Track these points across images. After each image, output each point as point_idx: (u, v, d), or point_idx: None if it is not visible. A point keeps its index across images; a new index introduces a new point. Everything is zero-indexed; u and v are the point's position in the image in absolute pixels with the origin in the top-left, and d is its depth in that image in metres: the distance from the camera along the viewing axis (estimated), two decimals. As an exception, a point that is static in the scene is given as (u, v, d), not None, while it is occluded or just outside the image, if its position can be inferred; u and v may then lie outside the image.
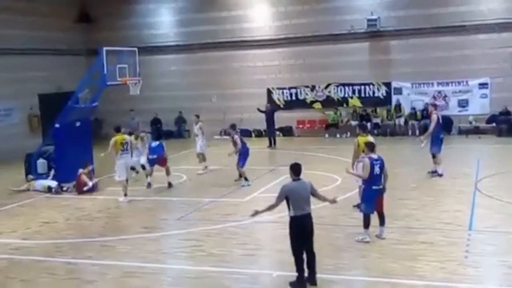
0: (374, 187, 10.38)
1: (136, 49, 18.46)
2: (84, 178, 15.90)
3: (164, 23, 28.75)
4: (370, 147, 10.71)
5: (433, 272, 8.85)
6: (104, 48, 16.81)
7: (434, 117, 16.03)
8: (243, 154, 15.98)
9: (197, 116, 19.16)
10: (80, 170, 15.96)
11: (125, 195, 14.79)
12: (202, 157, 18.53)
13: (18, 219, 13.38)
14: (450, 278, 8.61)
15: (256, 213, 8.77)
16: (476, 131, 23.97)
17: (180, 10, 28.38)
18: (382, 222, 10.60)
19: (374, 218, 10.53)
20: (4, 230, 12.46)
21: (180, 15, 28.36)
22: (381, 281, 8.64)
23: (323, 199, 9.03)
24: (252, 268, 9.45)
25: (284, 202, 8.46)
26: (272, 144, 23.45)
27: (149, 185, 16.07)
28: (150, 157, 16.25)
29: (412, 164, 18.01)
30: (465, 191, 14.04)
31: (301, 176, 8.55)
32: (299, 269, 8.38)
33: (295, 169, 8.55)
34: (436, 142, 15.88)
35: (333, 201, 9.20)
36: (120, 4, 28.58)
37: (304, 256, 8.42)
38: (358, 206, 11.92)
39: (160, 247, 10.96)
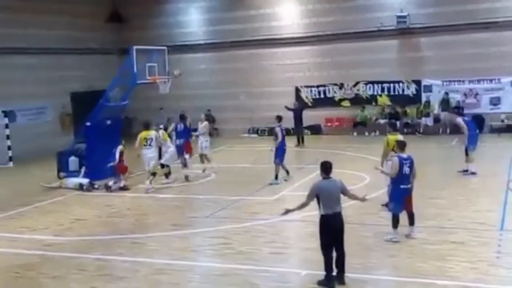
0: (402, 187, 10.28)
1: (165, 48, 18.64)
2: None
3: (193, 22, 28.95)
4: (401, 146, 10.58)
5: (464, 272, 8.73)
6: (134, 47, 17.01)
7: (459, 121, 15.99)
8: (279, 150, 15.80)
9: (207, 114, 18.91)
10: (119, 148, 16.12)
11: (150, 182, 15.70)
12: (206, 158, 18.08)
13: (51, 216, 13.62)
14: (482, 279, 8.48)
15: (287, 211, 8.79)
16: (509, 129, 23.53)
17: (209, 9, 28.54)
18: (411, 221, 10.50)
19: (404, 218, 10.44)
20: (37, 226, 12.71)
21: (209, 13, 28.53)
22: (410, 281, 8.56)
23: (354, 197, 8.98)
24: (280, 266, 9.45)
25: (315, 201, 8.44)
26: (300, 142, 23.39)
27: (167, 175, 16.96)
28: (177, 142, 16.87)
29: (442, 162, 17.80)
30: (496, 190, 13.80)
31: (331, 174, 8.53)
32: (328, 268, 8.37)
33: (325, 167, 8.51)
34: (472, 140, 15.69)
35: (363, 199, 9.14)
36: (151, 3, 28.88)
37: (334, 255, 8.40)
38: (386, 205, 11.86)
39: (189, 245, 11.05)
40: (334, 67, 26.34)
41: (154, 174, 15.87)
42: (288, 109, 24.05)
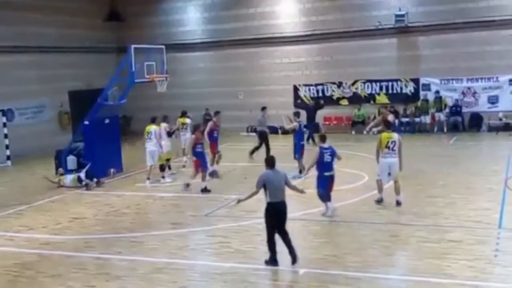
0: (326, 174, 11.75)
1: (163, 46, 18.60)
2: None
3: (191, 20, 28.95)
4: (322, 138, 12.16)
5: (461, 270, 8.76)
6: (132, 46, 16.99)
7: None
8: (297, 146, 16.36)
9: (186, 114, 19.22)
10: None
11: (148, 178, 16.40)
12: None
13: (49, 215, 13.61)
14: (479, 277, 8.50)
15: (239, 201, 9.79)
16: (506, 127, 23.57)
17: (207, 8, 28.54)
18: (329, 199, 11.89)
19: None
20: (36, 225, 12.69)
21: (208, 12, 28.54)
22: (408, 279, 8.61)
23: (294, 189, 9.80)
24: (278, 264, 9.45)
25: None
26: (310, 141, 22.73)
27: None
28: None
29: (440, 161, 17.80)
30: (494, 188, 13.84)
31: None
32: (272, 248, 9.13)
33: (270, 162, 9.43)
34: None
35: (302, 192, 9.96)
36: (149, 2, 28.88)
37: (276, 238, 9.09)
38: (379, 200, 12.32)
39: (188, 243, 11.07)
40: (332, 65, 26.35)
41: (162, 167, 16.52)
42: (297, 107, 23.84)
